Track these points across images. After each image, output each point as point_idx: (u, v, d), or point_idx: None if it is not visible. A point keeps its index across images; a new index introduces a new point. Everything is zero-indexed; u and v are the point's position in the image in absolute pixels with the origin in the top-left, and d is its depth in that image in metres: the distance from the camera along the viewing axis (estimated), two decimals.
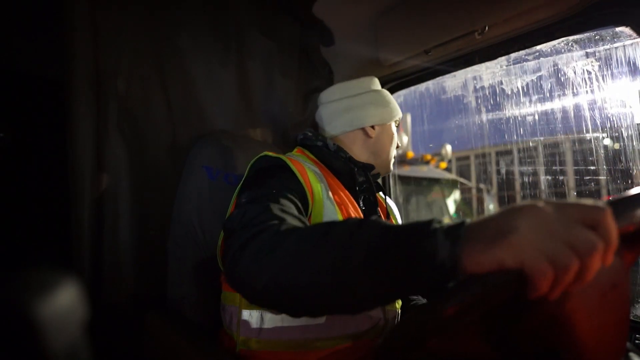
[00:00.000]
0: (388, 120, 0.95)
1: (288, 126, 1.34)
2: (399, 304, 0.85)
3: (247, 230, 0.56)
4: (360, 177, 0.88)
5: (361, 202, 0.87)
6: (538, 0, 0.92)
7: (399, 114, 0.98)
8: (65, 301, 0.21)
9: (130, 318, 0.89)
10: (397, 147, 1.00)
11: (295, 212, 0.64)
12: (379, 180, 1.01)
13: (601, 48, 1.02)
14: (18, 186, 1.31)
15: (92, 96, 0.88)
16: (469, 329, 0.41)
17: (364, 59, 1.35)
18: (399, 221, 1.03)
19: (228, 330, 0.77)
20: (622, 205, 0.37)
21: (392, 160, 0.99)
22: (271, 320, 0.71)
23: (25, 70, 1.33)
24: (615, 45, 0.99)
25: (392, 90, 1.48)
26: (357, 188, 0.86)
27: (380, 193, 1.02)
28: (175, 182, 0.98)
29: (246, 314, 0.73)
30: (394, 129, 0.97)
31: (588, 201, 0.35)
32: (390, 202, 1.04)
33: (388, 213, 0.98)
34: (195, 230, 0.91)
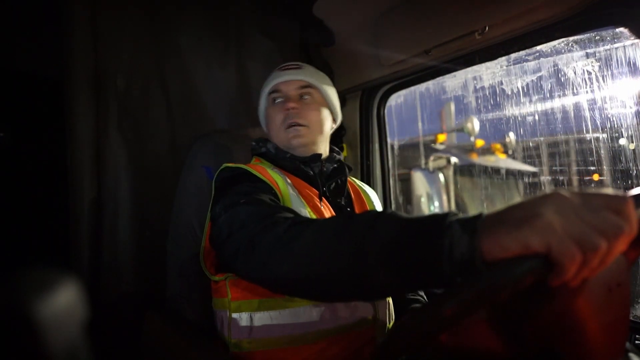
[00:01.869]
0: (262, 103, 0.93)
1: None
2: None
3: (251, 228, 0.57)
4: (316, 169, 0.85)
5: (326, 191, 0.85)
6: (538, 0, 0.92)
7: (265, 90, 0.91)
8: (64, 301, 0.21)
9: (129, 318, 0.89)
10: (287, 109, 0.83)
11: (280, 204, 0.65)
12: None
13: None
14: (17, 186, 1.31)
15: (92, 96, 0.88)
16: (481, 324, 0.41)
17: (364, 58, 1.35)
18: (374, 198, 0.98)
19: (220, 334, 0.78)
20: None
21: (289, 132, 0.84)
22: (260, 319, 0.72)
23: (25, 70, 1.33)
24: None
25: (392, 91, 1.48)
26: (317, 180, 0.84)
27: (357, 181, 1.00)
28: (174, 181, 0.98)
29: (236, 317, 0.73)
30: (266, 104, 0.91)
31: (610, 190, 0.35)
32: (362, 184, 1.01)
33: (351, 197, 0.93)
34: (194, 230, 0.91)
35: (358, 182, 1.01)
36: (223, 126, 1.14)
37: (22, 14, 1.24)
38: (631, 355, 0.46)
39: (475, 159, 5.57)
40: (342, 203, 0.88)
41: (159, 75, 1.02)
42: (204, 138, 1.00)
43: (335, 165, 0.89)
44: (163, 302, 0.92)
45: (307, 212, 0.75)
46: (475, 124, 5.27)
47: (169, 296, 0.92)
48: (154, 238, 0.96)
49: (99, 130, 0.90)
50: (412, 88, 1.42)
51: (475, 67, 1.21)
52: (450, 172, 5.07)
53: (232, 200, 0.66)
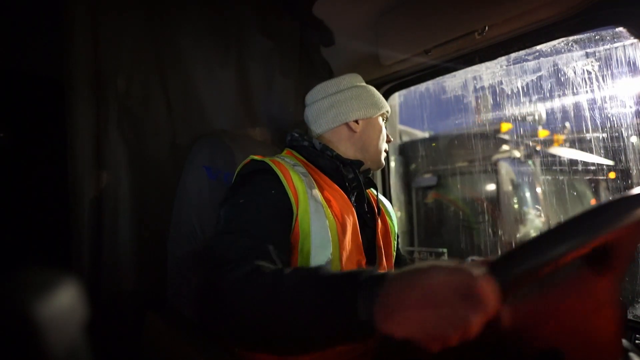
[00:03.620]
0: (372, 114, 0.94)
1: (288, 126, 1.34)
2: None
3: (216, 270, 0.60)
4: (349, 174, 0.87)
5: (352, 199, 0.87)
6: (538, 1, 0.92)
7: (384, 108, 0.97)
8: (65, 301, 0.21)
9: (129, 317, 0.89)
10: (389, 141, 0.98)
11: (267, 230, 0.67)
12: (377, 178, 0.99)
13: None
14: (18, 186, 1.31)
15: (92, 96, 0.88)
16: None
17: (364, 58, 1.35)
18: (393, 215, 1.03)
19: None
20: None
21: (383, 155, 0.97)
22: None
23: (25, 70, 1.33)
24: None
25: (392, 90, 1.48)
26: (347, 185, 0.86)
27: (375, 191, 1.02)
28: (175, 182, 0.98)
29: None
30: (381, 122, 0.96)
31: (470, 267, 0.40)
32: (382, 198, 1.03)
33: (379, 208, 0.96)
34: (195, 230, 0.91)
35: (374, 191, 1.02)
36: (223, 126, 1.14)
37: (22, 14, 1.24)
38: (631, 355, 0.46)
39: (539, 149, 5.30)
40: (365, 210, 0.90)
41: (159, 75, 1.02)
42: (204, 138, 1.00)
43: (368, 177, 0.95)
44: (163, 302, 0.92)
45: (326, 217, 0.75)
46: (542, 113, 4.90)
47: (169, 296, 0.92)
48: (154, 238, 0.96)
49: (99, 130, 0.90)
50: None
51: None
52: (538, 163, 4.73)
53: (229, 217, 0.69)
